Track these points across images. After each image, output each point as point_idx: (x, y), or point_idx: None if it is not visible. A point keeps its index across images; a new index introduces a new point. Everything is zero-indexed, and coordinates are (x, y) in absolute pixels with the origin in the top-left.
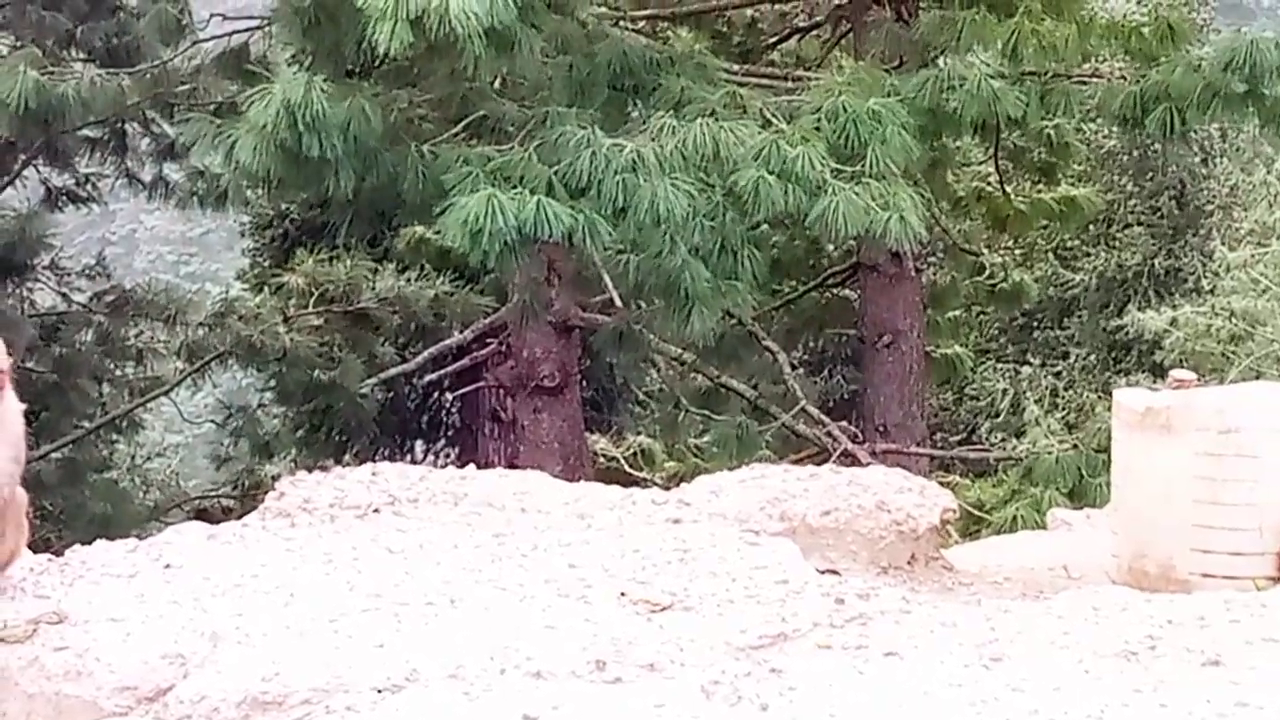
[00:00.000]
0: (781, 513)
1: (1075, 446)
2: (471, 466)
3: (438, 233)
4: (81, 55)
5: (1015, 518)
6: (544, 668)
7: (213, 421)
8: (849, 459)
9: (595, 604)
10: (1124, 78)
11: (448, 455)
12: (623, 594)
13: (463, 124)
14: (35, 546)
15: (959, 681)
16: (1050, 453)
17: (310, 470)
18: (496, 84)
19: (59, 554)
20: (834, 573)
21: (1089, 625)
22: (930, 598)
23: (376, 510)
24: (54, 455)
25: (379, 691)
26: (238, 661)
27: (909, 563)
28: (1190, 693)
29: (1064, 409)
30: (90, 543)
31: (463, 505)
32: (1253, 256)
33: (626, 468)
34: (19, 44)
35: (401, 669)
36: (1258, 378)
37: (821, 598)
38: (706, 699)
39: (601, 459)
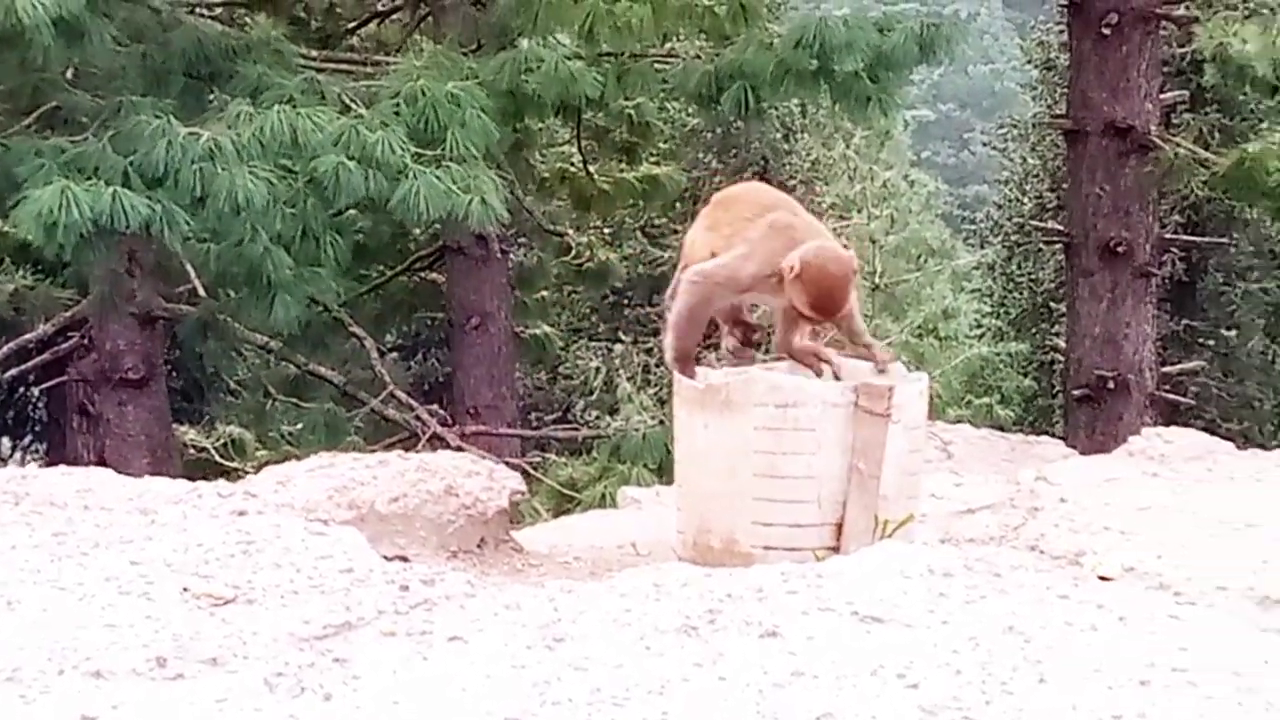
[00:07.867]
0: (350, 501)
1: (662, 422)
2: (33, 465)
3: (13, 226)
4: None
5: (604, 495)
6: (104, 667)
7: None
8: (439, 443)
9: (157, 600)
10: (699, 57)
11: (36, 451)
12: (185, 589)
13: (35, 115)
14: None
15: (522, 663)
16: (638, 429)
17: None
18: (69, 74)
19: None
20: (402, 559)
21: (651, 602)
22: (497, 580)
23: None
24: None
25: None
26: None
27: (479, 546)
28: (749, 664)
29: (656, 385)
30: None
31: (23, 505)
32: (835, 229)
33: (218, 458)
34: None
35: None
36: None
37: (386, 585)
38: (270, 691)
39: (192, 450)
